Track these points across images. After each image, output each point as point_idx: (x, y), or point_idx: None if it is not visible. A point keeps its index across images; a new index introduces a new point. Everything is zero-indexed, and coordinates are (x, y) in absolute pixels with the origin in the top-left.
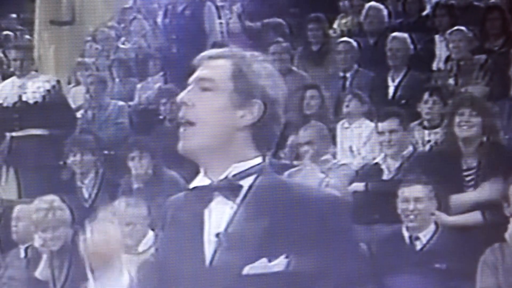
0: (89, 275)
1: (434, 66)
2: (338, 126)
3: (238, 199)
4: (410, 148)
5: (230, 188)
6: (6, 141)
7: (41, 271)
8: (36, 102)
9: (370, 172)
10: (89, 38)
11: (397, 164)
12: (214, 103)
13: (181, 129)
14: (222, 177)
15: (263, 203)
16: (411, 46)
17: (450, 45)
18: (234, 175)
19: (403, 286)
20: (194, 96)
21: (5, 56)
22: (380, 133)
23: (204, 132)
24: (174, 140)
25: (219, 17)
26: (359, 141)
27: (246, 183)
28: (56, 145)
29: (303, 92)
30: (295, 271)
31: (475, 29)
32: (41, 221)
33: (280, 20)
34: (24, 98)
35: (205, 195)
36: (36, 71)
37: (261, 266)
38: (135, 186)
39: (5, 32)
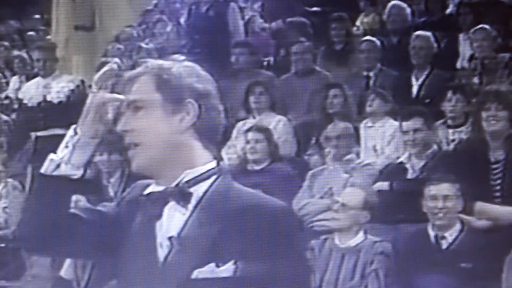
0: None
1: (458, 65)
2: (362, 126)
3: (191, 205)
4: (435, 147)
5: (181, 195)
6: (31, 140)
7: (65, 270)
8: (60, 102)
9: (394, 171)
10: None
11: (421, 163)
12: (150, 119)
13: (130, 152)
14: (174, 183)
15: (215, 209)
16: (435, 45)
17: (474, 44)
18: (187, 181)
19: (428, 285)
20: (131, 121)
21: (30, 56)
22: (405, 132)
23: (150, 148)
24: None
25: (242, 18)
26: (383, 140)
27: (200, 189)
28: None
29: (326, 91)
30: (243, 277)
31: (499, 27)
32: None
33: (303, 19)
34: (48, 98)
35: (159, 200)
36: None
37: (209, 270)
38: None
39: (29, 33)
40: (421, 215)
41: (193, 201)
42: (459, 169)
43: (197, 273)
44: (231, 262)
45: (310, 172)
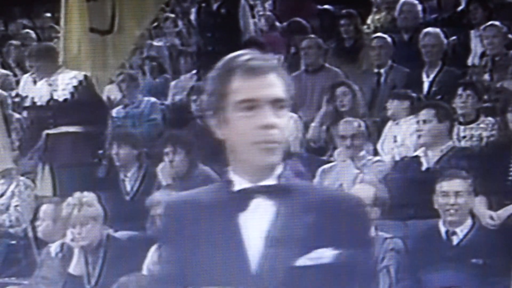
0: None
1: (469, 62)
2: (389, 123)
3: (281, 200)
4: (450, 143)
5: (276, 190)
6: (42, 139)
7: (74, 267)
8: (66, 100)
9: (408, 164)
10: None
11: (436, 158)
12: (287, 120)
13: (269, 145)
14: (266, 181)
15: (301, 202)
16: (444, 41)
17: (485, 41)
18: (277, 178)
19: (439, 281)
20: (277, 118)
21: None
22: (417, 123)
23: (283, 147)
24: (206, 136)
25: (253, 16)
26: (406, 132)
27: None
28: (91, 142)
29: (333, 90)
30: (342, 263)
31: (509, 23)
32: (68, 217)
33: (312, 16)
34: (55, 96)
35: (249, 196)
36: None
37: (315, 257)
38: (169, 181)
39: (29, 32)
40: (432, 211)
41: (283, 196)
42: (478, 165)
43: (303, 260)
44: (331, 248)
45: (320, 169)
